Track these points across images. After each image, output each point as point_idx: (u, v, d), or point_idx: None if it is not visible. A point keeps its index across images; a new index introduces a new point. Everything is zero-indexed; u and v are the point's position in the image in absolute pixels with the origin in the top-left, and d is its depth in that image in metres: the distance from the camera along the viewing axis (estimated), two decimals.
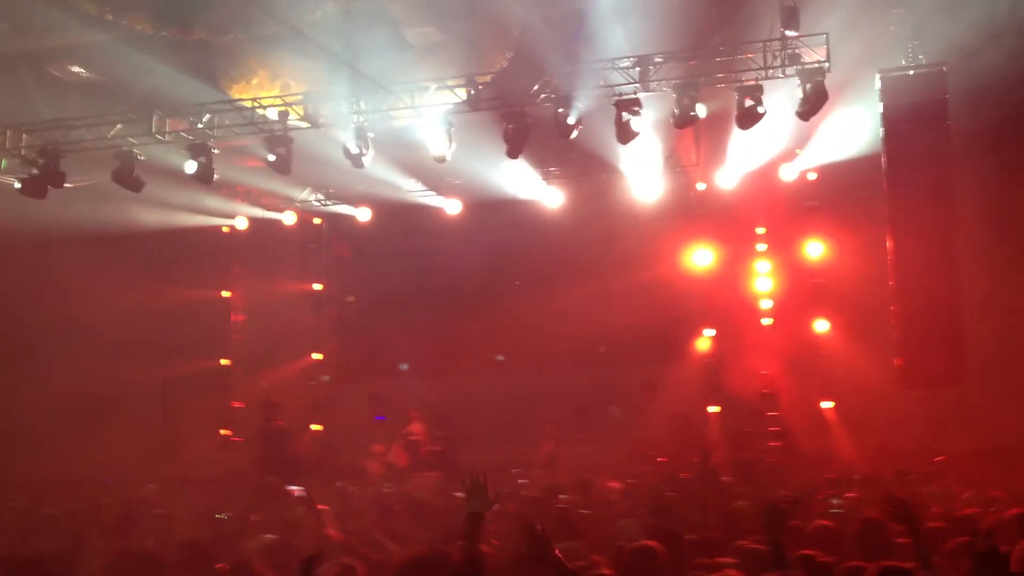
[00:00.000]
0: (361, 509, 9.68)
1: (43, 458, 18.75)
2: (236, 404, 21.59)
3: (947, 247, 14.30)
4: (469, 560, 4.14)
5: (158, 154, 16.49)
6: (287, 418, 20.27)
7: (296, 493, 9.01)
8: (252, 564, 5.46)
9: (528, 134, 15.02)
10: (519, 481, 13.60)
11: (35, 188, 16.20)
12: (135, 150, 16.18)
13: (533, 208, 19.85)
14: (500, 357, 20.94)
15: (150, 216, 18.77)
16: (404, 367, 21.65)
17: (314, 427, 21.38)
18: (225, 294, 22.37)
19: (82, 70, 16.47)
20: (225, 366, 22.08)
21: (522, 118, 14.97)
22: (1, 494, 15.11)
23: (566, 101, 14.65)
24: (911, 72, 14.67)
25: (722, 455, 17.77)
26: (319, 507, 7.74)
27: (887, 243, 14.86)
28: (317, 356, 22.04)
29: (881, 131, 14.78)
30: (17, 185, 16.40)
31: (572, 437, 19.00)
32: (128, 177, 16.13)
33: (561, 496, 10.77)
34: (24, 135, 16.54)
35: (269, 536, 7.98)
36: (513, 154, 15.30)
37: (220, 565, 6.10)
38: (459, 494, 12.43)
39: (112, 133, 16.21)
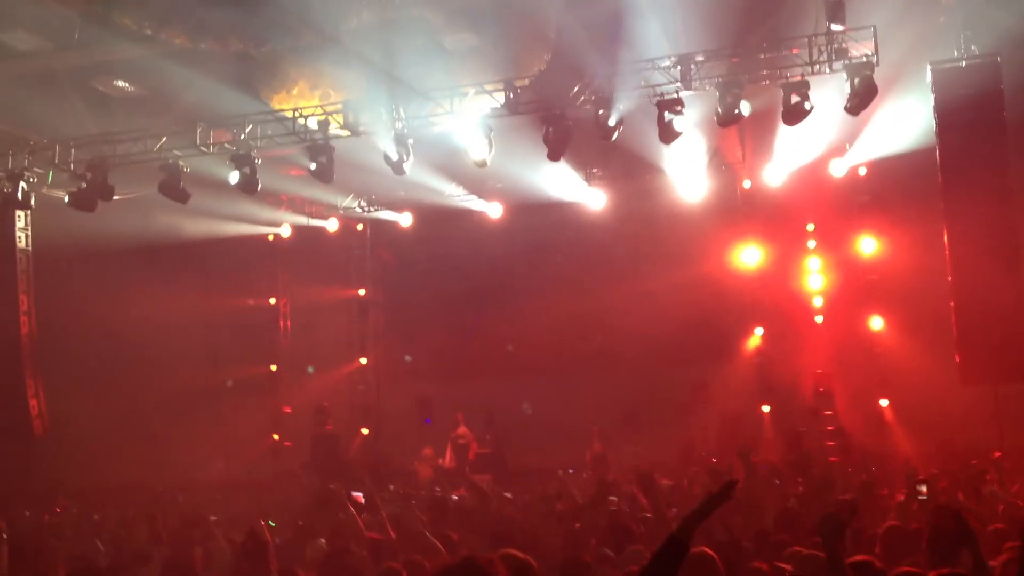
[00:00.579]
0: (412, 513, 9.62)
1: (97, 466, 18.98)
2: (286, 409, 21.71)
3: (1005, 241, 13.90)
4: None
5: (203, 165, 16.60)
6: (336, 423, 20.43)
7: (357, 498, 8.99)
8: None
9: (569, 136, 14.88)
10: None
11: (84, 201, 16.44)
12: (180, 162, 16.30)
13: (576, 210, 19.69)
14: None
15: (197, 226, 18.94)
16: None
17: (363, 431, 21.46)
18: (272, 301, 22.51)
19: (126, 84, 16.67)
20: (274, 372, 22.21)
21: (562, 121, 14.83)
22: (56, 502, 15.37)
23: (606, 102, 14.48)
24: (963, 64, 14.27)
25: (776, 454, 17.55)
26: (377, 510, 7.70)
27: (943, 238, 14.49)
28: (364, 360, 22.10)
29: (934, 124, 14.40)
30: (66, 199, 16.60)
31: (619, 437, 18.82)
32: (174, 188, 16.28)
33: (612, 498, 10.56)
34: (72, 149, 16.78)
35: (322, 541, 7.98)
36: (554, 157, 15.17)
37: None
38: (507, 494, 12.41)
39: (158, 146, 16.36)
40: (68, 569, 7.57)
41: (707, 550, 5.76)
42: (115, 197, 16.65)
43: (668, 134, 14.19)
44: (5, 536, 7.42)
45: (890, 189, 17.59)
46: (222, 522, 11.30)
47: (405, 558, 6.53)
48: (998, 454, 13.81)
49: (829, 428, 18.04)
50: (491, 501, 11.93)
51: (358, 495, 9.92)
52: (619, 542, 7.39)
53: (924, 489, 5.88)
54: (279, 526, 10.55)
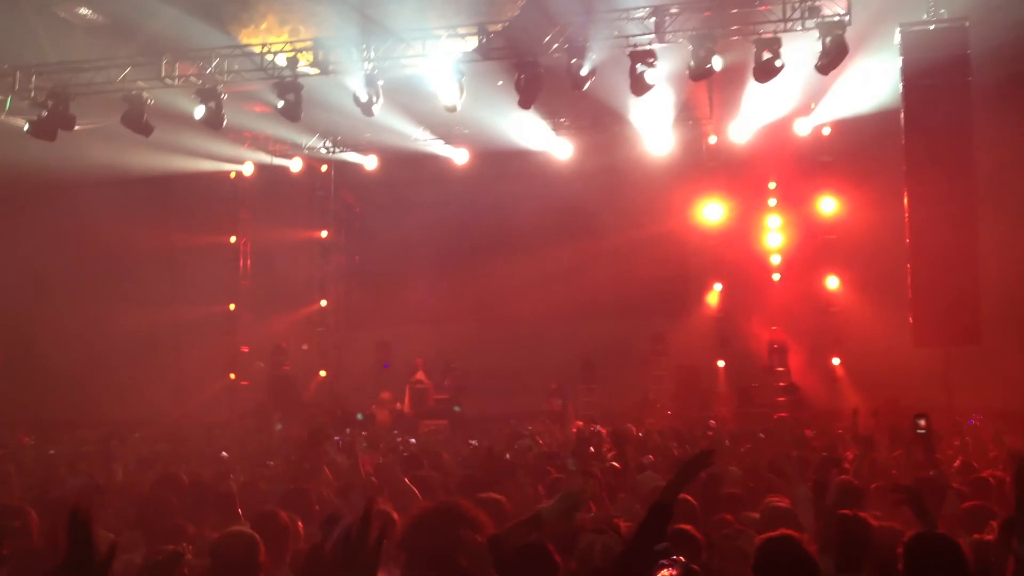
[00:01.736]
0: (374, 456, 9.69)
1: (54, 399, 18.85)
2: (243, 349, 21.62)
3: (964, 205, 14.20)
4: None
5: (167, 98, 16.33)
6: (293, 364, 20.41)
7: (336, 443, 9.04)
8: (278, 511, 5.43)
9: (540, 84, 14.83)
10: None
11: (44, 130, 16.10)
12: (144, 94, 16.01)
13: (542, 159, 19.71)
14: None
15: (158, 160, 18.63)
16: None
17: (321, 373, 21.47)
18: (232, 239, 22.29)
19: (88, 12, 16.25)
20: (232, 311, 22.07)
21: (534, 68, 14.77)
22: (11, 435, 15.24)
23: (579, 51, 14.45)
24: (932, 27, 14.45)
25: (730, 409, 17.89)
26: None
27: (903, 200, 14.74)
28: (323, 303, 22.05)
29: (900, 86, 14.58)
30: (26, 127, 16.26)
31: (577, 389, 19.03)
32: (137, 121, 16.01)
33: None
34: (33, 76, 16.39)
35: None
36: (525, 104, 15.13)
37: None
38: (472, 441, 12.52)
39: (121, 76, 16.05)
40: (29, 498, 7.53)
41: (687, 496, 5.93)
42: (76, 127, 16.31)
43: (640, 86, 14.22)
44: None
45: (853, 150, 17.79)
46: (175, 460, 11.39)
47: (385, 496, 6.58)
48: (977, 418, 14.06)
49: (781, 384, 18.38)
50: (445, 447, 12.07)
51: (336, 439, 9.97)
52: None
53: (922, 423, 6.01)
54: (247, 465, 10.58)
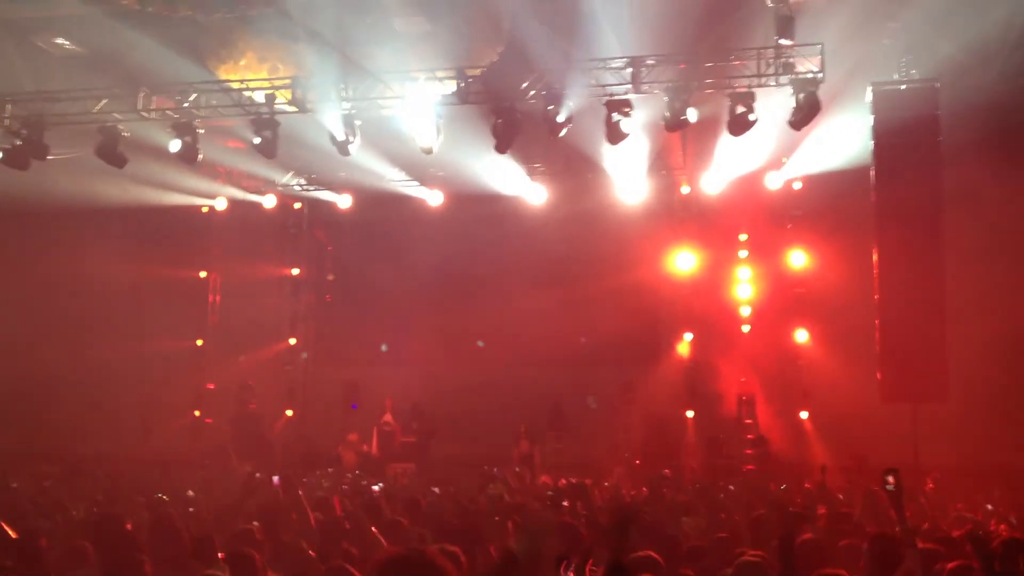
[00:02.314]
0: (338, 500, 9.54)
1: (11, 432, 18.50)
2: (209, 386, 21.37)
3: (933, 263, 14.36)
4: None
5: (142, 131, 16.28)
6: (260, 402, 20.19)
7: (275, 483, 8.87)
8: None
9: (518, 130, 14.94)
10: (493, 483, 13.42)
11: (17, 159, 16.03)
12: (120, 126, 15.96)
13: (516, 204, 19.77)
14: (480, 343, 20.76)
15: (131, 193, 18.53)
16: (384, 348, 21.37)
17: (287, 412, 21.24)
18: (202, 275, 22.13)
19: (66, 42, 16.28)
20: (199, 347, 21.85)
21: (512, 113, 14.87)
22: None
23: (556, 98, 14.57)
24: (903, 87, 14.73)
25: (697, 459, 17.87)
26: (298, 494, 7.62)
27: (872, 256, 14.90)
28: (292, 341, 21.89)
29: (871, 144, 14.81)
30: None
31: (546, 435, 18.95)
32: (111, 152, 15.93)
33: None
34: (8, 105, 16.30)
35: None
36: (502, 149, 15.21)
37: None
38: (435, 489, 12.39)
39: (97, 108, 16.00)
40: None
41: (651, 552, 5.88)
42: (50, 157, 16.22)
43: (615, 135, 14.34)
44: None
45: (823, 205, 17.98)
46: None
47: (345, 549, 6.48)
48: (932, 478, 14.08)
49: (749, 436, 18.38)
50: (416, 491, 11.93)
51: (275, 479, 9.78)
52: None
53: (891, 479, 5.96)
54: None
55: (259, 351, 21.44)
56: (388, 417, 19.34)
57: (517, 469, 15.52)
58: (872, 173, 14.88)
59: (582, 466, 16.64)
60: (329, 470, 16.83)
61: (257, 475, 8.00)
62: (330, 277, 22.51)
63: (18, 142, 15.97)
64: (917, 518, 9.47)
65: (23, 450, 17.05)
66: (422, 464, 18.09)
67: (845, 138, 15.75)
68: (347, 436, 19.12)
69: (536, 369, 19.75)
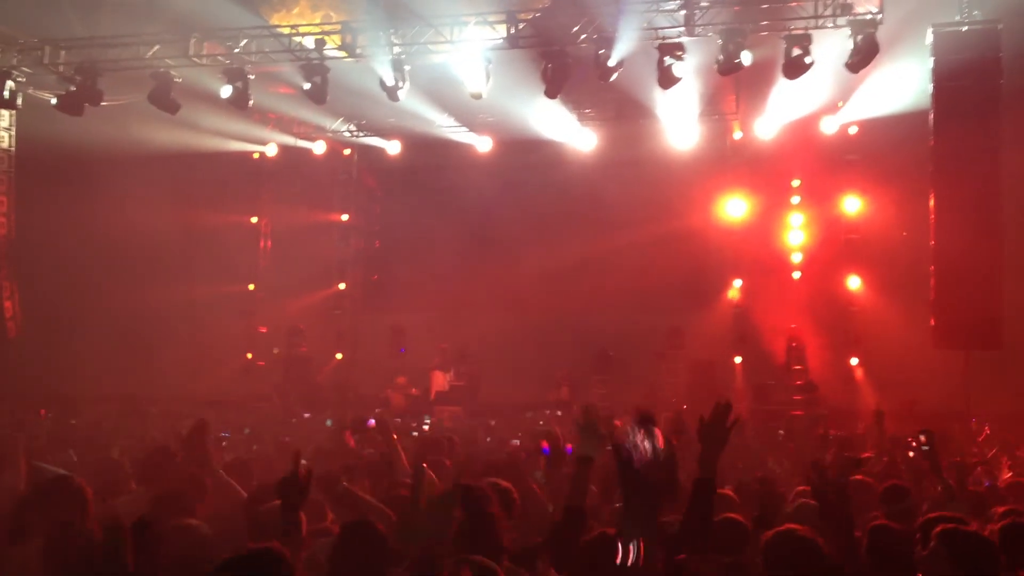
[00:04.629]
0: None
1: (71, 373, 18.94)
2: (261, 329, 21.70)
3: (990, 209, 14.08)
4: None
5: (194, 77, 16.37)
6: (310, 345, 20.47)
7: (370, 425, 9.00)
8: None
9: (568, 74, 14.82)
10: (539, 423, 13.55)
11: (72, 105, 16.20)
12: (172, 72, 16.05)
13: (566, 150, 19.67)
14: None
15: (183, 138, 18.69)
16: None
17: (337, 356, 21.51)
18: (253, 220, 22.37)
19: None
20: (251, 291, 22.16)
21: (562, 58, 14.74)
22: (33, 408, 15.35)
23: (608, 43, 14.41)
24: (964, 28, 14.33)
25: (745, 405, 17.83)
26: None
27: (929, 202, 14.64)
28: (342, 286, 22.10)
29: (930, 87, 14.46)
30: (53, 101, 16.35)
31: (589, 380, 19.00)
32: (164, 98, 16.07)
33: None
34: (62, 52, 16.46)
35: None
36: (552, 94, 15.12)
37: None
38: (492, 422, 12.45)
39: (150, 53, 16.12)
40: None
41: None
42: (103, 103, 16.39)
43: (667, 79, 14.18)
44: None
45: (879, 150, 17.67)
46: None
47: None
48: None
49: (798, 383, 18.30)
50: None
51: (371, 422, 9.88)
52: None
53: (923, 439, 5.97)
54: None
55: (309, 295, 21.69)
56: (438, 360, 19.37)
57: (559, 413, 15.61)
58: (931, 117, 14.55)
59: (628, 413, 16.68)
60: (377, 411, 17.07)
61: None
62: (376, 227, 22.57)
63: (72, 88, 16.13)
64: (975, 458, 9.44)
65: (84, 395, 17.48)
66: (469, 407, 18.25)
67: (904, 81, 15.41)
68: (395, 379, 19.33)
69: (584, 315, 19.75)
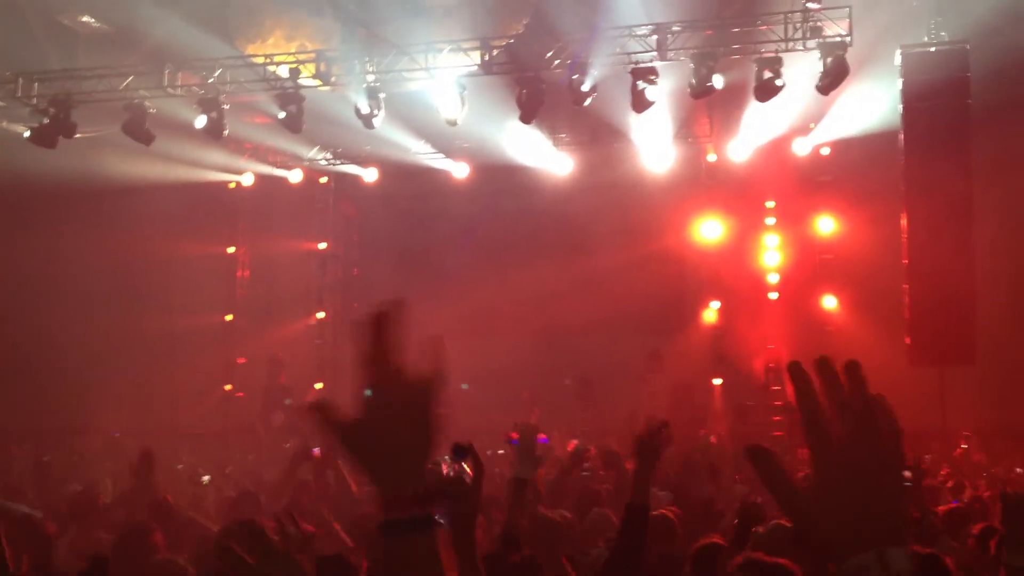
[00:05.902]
0: None
1: (47, 408, 18.79)
2: (240, 360, 21.57)
3: (962, 226, 14.24)
4: (510, 529, 4.01)
5: (168, 107, 16.37)
6: (290, 376, 20.37)
7: (315, 453, 8.95)
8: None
9: (542, 100, 14.93)
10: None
11: (45, 137, 16.16)
12: (146, 102, 16.05)
13: (542, 174, 19.74)
14: (465, 386, 20.18)
15: (157, 169, 18.65)
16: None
17: (317, 386, 21.40)
18: (230, 250, 22.29)
19: (92, 20, 16.35)
20: (229, 321, 22.05)
21: (536, 83, 14.85)
22: (5, 442, 15.20)
23: (581, 68, 14.54)
24: (933, 49, 14.55)
25: (724, 427, 17.89)
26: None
27: (901, 220, 14.80)
28: (321, 315, 22.03)
29: (900, 107, 14.67)
30: (27, 134, 16.30)
31: (572, 405, 18.97)
32: (139, 129, 16.06)
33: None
34: (36, 84, 16.43)
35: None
36: (526, 119, 15.23)
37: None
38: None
39: (123, 85, 16.11)
40: None
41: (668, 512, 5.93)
42: (77, 135, 16.36)
43: (640, 103, 14.31)
44: None
45: (851, 170, 17.82)
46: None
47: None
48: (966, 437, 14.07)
49: (777, 403, 18.37)
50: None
51: (316, 450, 9.82)
52: (584, 507, 7.53)
53: (908, 475, 5.99)
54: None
55: (288, 325, 21.61)
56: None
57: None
58: (901, 137, 14.75)
59: (608, 434, 16.70)
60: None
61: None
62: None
63: (45, 120, 16.10)
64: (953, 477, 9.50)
65: (60, 427, 17.34)
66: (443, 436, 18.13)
67: (873, 102, 15.61)
68: None
69: (563, 339, 19.75)
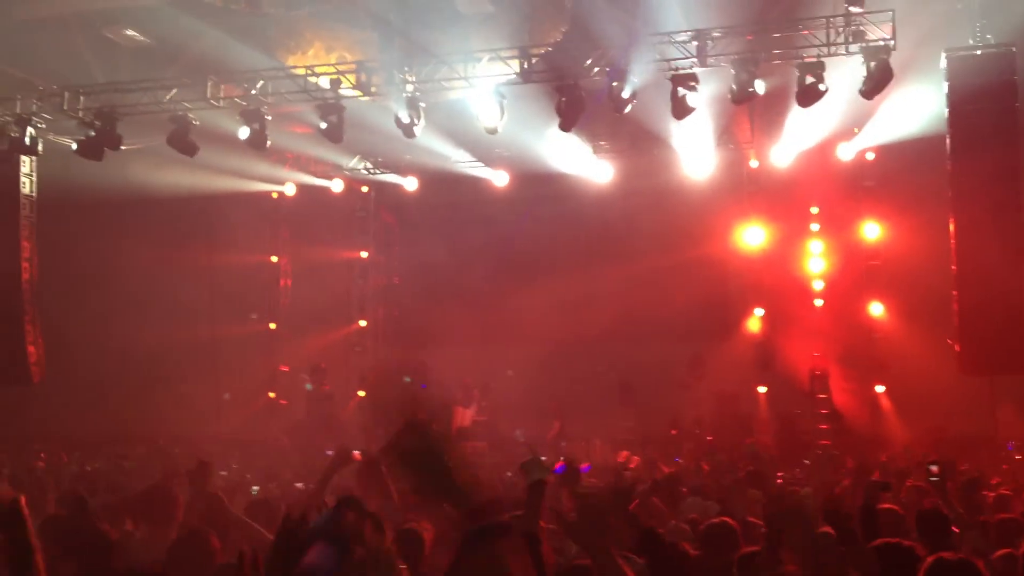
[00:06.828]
0: None
1: (93, 416, 19.07)
2: (283, 368, 21.75)
3: (1011, 231, 13.92)
4: (531, 532, 3.99)
5: (212, 119, 16.55)
6: (332, 383, 20.48)
7: (356, 456, 8.93)
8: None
9: (582, 107, 14.85)
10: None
11: (91, 150, 16.40)
12: (190, 114, 16.24)
13: (582, 182, 19.68)
14: (510, 372, 20.32)
15: (202, 180, 18.88)
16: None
17: (360, 393, 21.49)
18: (273, 259, 22.52)
19: (136, 34, 16.56)
20: (272, 330, 22.26)
21: (575, 91, 14.78)
22: (56, 450, 15.43)
23: (621, 75, 14.44)
24: (978, 52, 14.26)
25: (770, 435, 17.69)
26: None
27: (949, 226, 14.51)
28: (363, 323, 22.13)
29: (946, 112, 14.38)
30: (74, 146, 16.57)
31: (614, 413, 18.90)
32: (183, 141, 16.25)
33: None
34: (81, 97, 16.69)
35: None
36: (566, 127, 15.15)
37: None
38: (508, 473, 12.46)
39: (168, 97, 16.32)
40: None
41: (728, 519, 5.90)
42: (122, 147, 16.61)
43: (681, 110, 14.19)
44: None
45: (896, 175, 17.57)
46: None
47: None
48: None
49: (823, 411, 18.14)
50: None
51: (356, 453, 9.81)
52: None
53: (935, 469, 5.89)
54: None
55: (330, 333, 21.74)
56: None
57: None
58: (948, 142, 14.46)
59: (650, 443, 16.60)
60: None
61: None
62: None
63: (92, 133, 16.34)
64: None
65: (105, 436, 17.56)
66: (492, 443, 18.15)
67: (919, 106, 15.31)
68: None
69: (605, 347, 19.65)
